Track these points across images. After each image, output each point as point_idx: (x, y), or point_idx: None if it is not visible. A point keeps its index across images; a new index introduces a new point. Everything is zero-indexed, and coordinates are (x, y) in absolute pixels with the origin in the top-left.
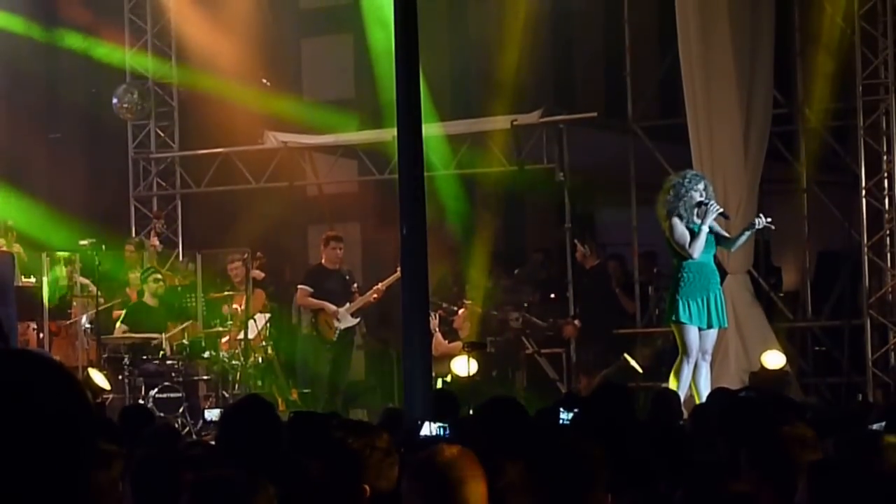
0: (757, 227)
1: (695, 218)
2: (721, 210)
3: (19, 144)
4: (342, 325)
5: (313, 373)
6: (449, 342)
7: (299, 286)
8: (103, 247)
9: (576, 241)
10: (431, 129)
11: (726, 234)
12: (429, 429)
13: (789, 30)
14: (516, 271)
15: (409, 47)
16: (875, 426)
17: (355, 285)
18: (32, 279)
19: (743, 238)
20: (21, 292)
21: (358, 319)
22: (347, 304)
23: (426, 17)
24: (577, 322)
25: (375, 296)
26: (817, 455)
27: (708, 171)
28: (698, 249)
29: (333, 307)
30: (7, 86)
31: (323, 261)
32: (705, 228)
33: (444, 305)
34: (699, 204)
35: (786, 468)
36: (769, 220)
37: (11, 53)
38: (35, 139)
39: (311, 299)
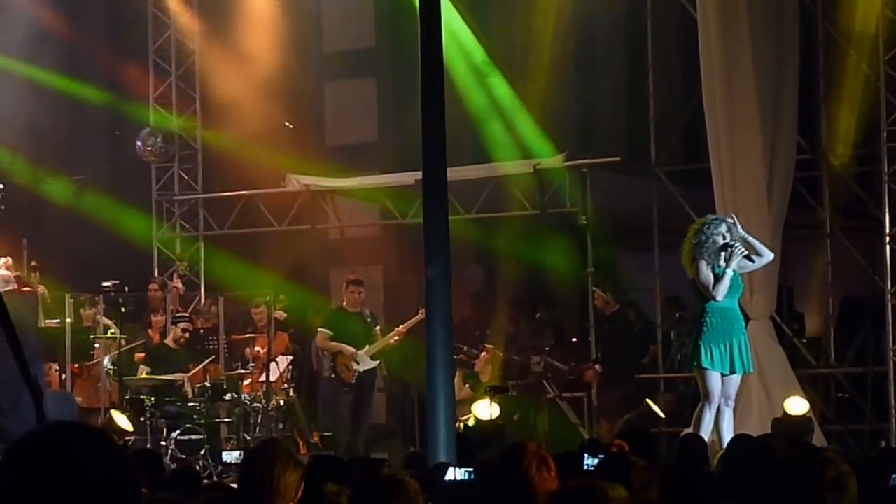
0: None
1: (721, 262)
2: (746, 253)
3: (43, 185)
4: (361, 368)
5: (334, 416)
6: (469, 386)
7: (319, 329)
8: (126, 288)
9: (594, 289)
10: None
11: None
12: (454, 473)
13: (814, 75)
14: (538, 315)
15: (434, 90)
16: None
17: (378, 328)
18: (56, 320)
19: (756, 242)
20: (44, 333)
21: (377, 362)
22: (367, 347)
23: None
24: (598, 367)
25: (396, 338)
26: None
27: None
28: (722, 292)
29: (352, 350)
30: (31, 126)
31: (344, 303)
32: (729, 272)
33: (465, 349)
34: (724, 247)
35: None
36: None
37: (36, 93)
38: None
39: (330, 342)
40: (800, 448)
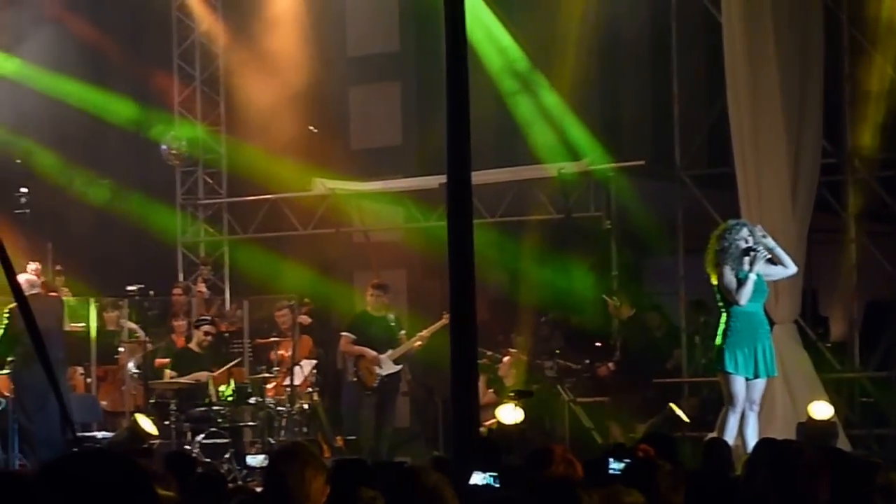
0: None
1: (744, 266)
2: (768, 256)
3: (68, 189)
4: (384, 372)
5: (358, 419)
6: (494, 391)
7: (343, 333)
8: (151, 292)
9: (604, 296)
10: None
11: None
12: (478, 478)
13: (839, 79)
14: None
15: (459, 94)
16: None
17: (402, 332)
18: (81, 324)
19: (781, 253)
20: (69, 337)
21: (401, 366)
22: (390, 351)
23: (474, 63)
24: (611, 365)
25: (419, 343)
26: None
27: (756, 221)
28: (745, 296)
29: (374, 353)
30: (56, 131)
31: (368, 307)
32: (752, 276)
33: (489, 353)
34: (747, 251)
35: None
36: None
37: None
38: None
39: (353, 346)
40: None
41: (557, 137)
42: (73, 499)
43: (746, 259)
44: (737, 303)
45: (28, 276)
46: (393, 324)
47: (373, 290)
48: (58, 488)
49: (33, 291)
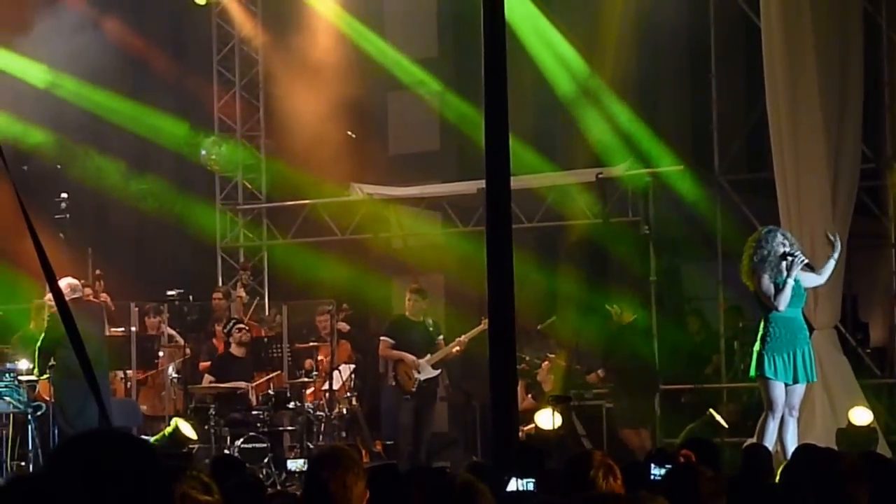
0: (836, 252)
1: (783, 272)
2: (806, 261)
3: (108, 194)
4: (422, 377)
5: (396, 424)
6: (532, 396)
7: (381, 337)
8: (191, 297)
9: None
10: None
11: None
12: (516, 484)
13: (878, 84)
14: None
15: (497, 99)
16: None
17: (440, 337)
18: (121, 328)
19: (830, 266)
20: (109, 342)
21: (439, 371)
22: (428, 356)
23: (512, 69)
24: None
25: (457, 348)
26: None
27: (795, 226)
28: (784, 301)
29: (413, 358)
30: (96, 136)
31: (406, 312)
32: (790, 281)
33: (528, 358)
34: (784, 256)
35: None
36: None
37: (100, 104)
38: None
39: (391, 351)
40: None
41: (608, 142)
42: (86, 478)
43: (784, 264)
44: (776, 308)
45: (70, 280)
46: (431, 328)
47: (411, 295)
48: (70, 467)
49: (75, 296)
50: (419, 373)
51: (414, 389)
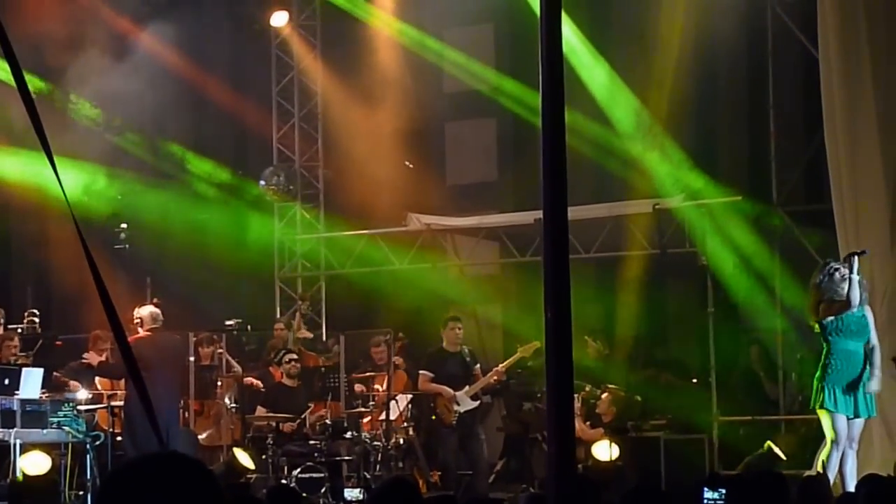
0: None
1: (843, 289)
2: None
3: (167, 224)
4: (461, 409)
5: (444, 458)
6: (591, 426)
7: (420, 372)
8: (248, 327)
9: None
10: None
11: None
12: None
13: None
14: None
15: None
16: None
17: (478, 366)
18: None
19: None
20: None
21: (478, 402)
22: (467, 387)
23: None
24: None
25: (496, 377)
26: None
27: None
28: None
29: (451, 392)
30: (152, 165)
31: (444, 343)
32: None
33: (587, 388)
34: (839, 268)
35: None
36: None
37: (155, 127)
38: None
39: (431, 384)
40: None
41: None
42: (142, 500)
43: (844, 285)
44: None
45: (152, 309)
46: (468, 359)
47: (448, 324)
48: (127, 490)
49: (155, 325)
50: (458, 405)
51: (454, 422)
